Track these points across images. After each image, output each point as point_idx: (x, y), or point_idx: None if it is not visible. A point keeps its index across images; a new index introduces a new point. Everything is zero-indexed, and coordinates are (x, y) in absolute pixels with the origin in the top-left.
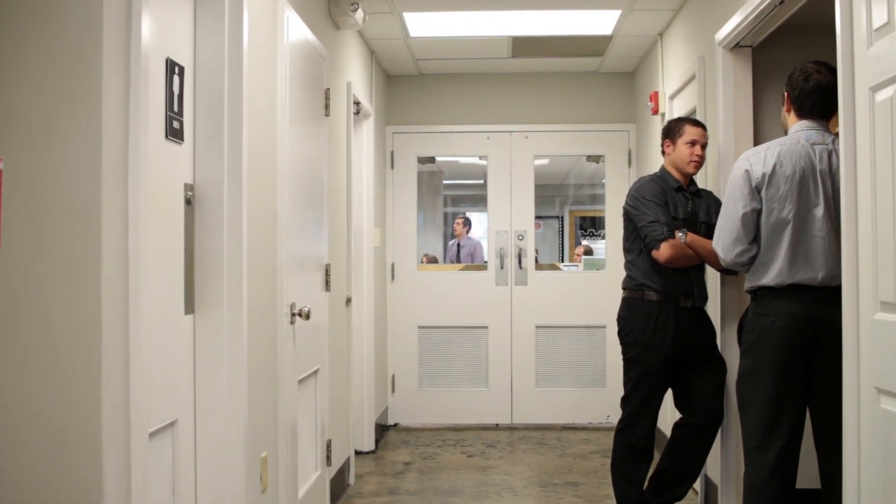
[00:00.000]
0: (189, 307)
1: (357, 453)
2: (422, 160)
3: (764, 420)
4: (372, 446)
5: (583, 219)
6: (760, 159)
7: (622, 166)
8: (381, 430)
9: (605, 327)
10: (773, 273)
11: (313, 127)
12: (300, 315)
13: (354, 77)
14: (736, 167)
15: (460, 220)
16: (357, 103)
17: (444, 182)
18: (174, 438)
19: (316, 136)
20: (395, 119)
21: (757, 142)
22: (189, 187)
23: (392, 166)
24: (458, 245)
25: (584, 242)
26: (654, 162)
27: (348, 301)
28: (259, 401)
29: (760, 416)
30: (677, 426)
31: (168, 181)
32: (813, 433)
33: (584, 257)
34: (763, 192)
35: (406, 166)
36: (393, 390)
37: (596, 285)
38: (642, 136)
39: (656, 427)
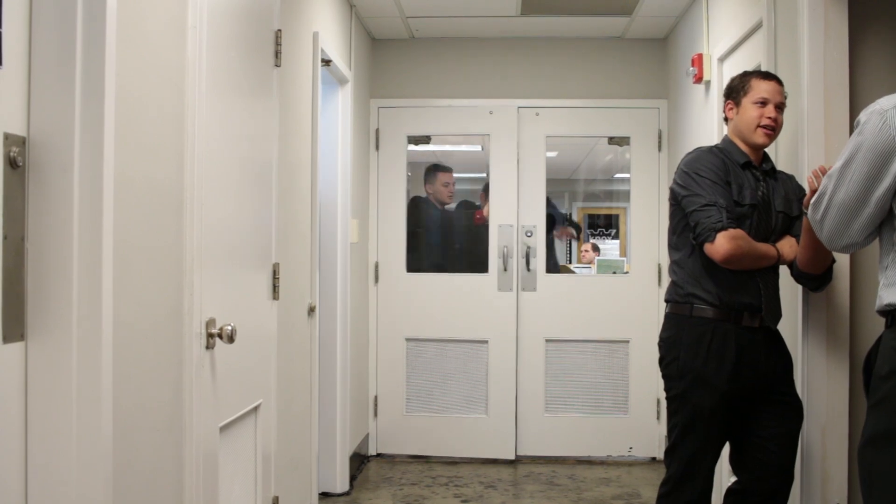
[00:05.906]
0: (13, 330)
1: (325, 496)
2: (413, 140)
3: None
4: (345, 486)
5: (593, 217)
6: None
7: (651, 150)
8: (361, 461)
9: (628, 342)
10: None
11: (255, 80)
12: (220, 336)
13: (325, 29)
14: (871, 122)
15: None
16: (328, 62)
17: None
18: None
19: (260, 95)
20: (381, 91)
21: (856, 108)
22: (16, 140)
23: (377, 147)
24: None
25: (593, 241)
26: (691, 145)
27: (311, 310)
28: (144, 469)
29: None
30: (730, 494)
31: None
32: None
33: (597, 259)
34: None
35: (394, 147)
36: (375, 414)
37: (617, 292)
38: (676, 114)
39: (712, 488)
